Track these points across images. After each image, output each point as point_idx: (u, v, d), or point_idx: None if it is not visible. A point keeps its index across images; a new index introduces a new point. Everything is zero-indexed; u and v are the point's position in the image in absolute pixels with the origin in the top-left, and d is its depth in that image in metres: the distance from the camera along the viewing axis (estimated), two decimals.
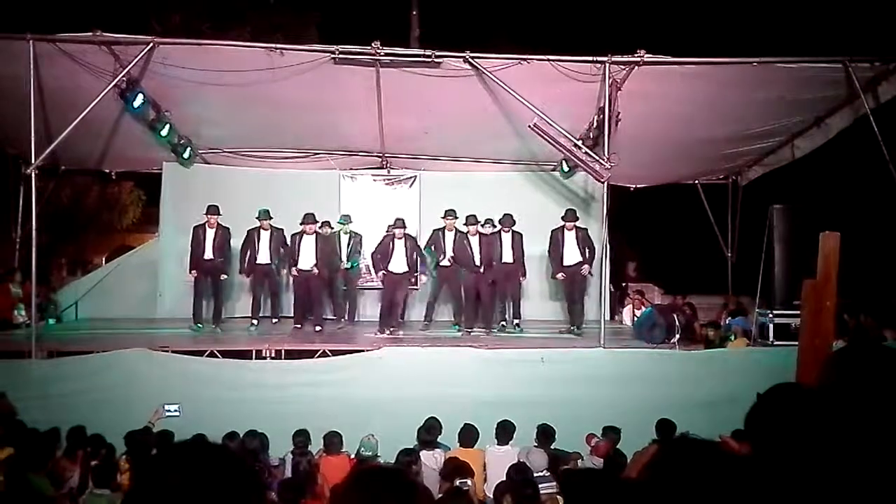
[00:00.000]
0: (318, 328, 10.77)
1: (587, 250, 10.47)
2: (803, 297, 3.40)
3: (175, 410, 6.44)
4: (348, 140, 12.20)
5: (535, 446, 6.33)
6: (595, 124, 9.73)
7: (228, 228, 11.02)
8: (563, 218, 10.67)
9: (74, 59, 8.51)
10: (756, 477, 1.52)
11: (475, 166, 12.83)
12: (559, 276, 10.59)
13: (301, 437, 6.48)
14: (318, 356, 8.96)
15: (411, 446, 6.29)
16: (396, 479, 1.80)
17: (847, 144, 10.74)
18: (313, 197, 12.58)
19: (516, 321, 10.76)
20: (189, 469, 1.40)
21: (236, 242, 11.19)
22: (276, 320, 11.63)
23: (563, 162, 11.78)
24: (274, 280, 11.45)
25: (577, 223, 10.70)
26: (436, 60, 8.73)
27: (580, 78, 8.87)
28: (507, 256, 10.67)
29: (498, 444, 6.64)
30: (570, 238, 10.49)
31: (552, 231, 10.65)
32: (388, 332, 10.26)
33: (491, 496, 5.34)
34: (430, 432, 6.60)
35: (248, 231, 11.09)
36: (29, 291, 9.69)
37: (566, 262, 10.51)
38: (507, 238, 10.69)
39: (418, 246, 10.88)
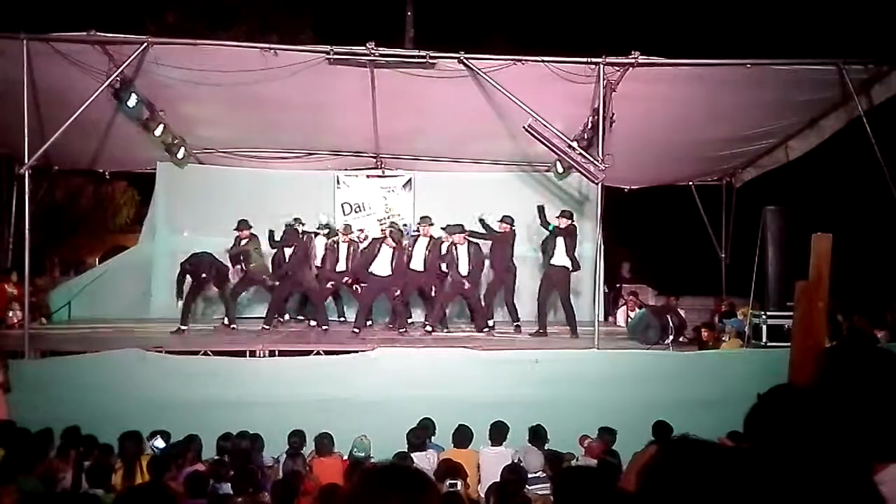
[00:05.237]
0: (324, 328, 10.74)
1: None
2: (796, 298, 3.40)
3: (162, 446, 6.33)
4: (343, 140, 12.19)
5: (531, 447, 6.33)
6: (589, 125, 9.75)
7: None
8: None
9: (68, 59, 8.49)
10: (757, 478, 1.52)
11: (470, 167, 12.84)
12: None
13: (296, 438, 6.45)
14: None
15: (405, 448, 6.28)
16: (409, 476, 1.70)
17: (841, 146, 10.77)
18: (308, 198, 12.58)
19: (516, 323, 10.74)
20: None
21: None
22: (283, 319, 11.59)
23: (558, 163, 11.79)
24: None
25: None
26: (430, 61, 8.74)
27: (575, 79, 8.90)
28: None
29: (492, 445, 6.64)
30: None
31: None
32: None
33: (484, 497, 5.33)
34: (420, 434, 6.58)
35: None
36: (23, 291, 9.65)
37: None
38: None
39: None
